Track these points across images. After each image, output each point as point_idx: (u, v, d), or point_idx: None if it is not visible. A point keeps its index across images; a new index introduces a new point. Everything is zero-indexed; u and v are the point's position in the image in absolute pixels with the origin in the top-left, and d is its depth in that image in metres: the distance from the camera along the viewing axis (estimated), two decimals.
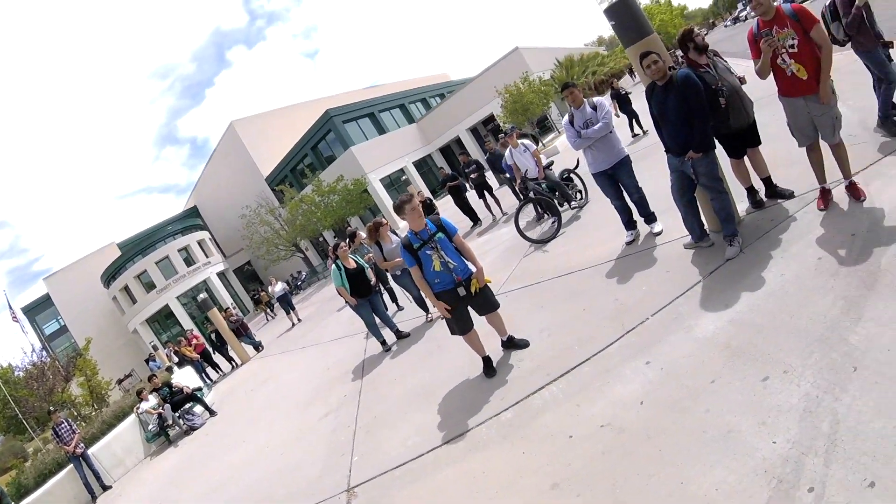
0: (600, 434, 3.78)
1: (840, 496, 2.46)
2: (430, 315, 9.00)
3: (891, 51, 6.17)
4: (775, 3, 4.99)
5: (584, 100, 7.02)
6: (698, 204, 5.65)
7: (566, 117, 7.19)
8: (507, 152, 10.79)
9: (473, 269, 5.41)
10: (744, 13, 58.26)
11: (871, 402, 2.82)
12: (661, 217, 6.79)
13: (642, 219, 6.97)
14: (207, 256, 48.18)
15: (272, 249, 38.83)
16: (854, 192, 4.97)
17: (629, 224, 7.00)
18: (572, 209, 10.24)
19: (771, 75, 5.13)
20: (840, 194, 5.13)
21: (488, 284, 5.57)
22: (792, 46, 4.84)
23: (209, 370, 18.41)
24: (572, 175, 10.80)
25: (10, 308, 27.67)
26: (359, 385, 7.93)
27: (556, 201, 9.80)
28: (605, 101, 7.08)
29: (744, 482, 2.78)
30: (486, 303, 5.57)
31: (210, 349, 18.95)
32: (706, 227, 5.76)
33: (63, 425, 11.52)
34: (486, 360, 5.70)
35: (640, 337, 4.71)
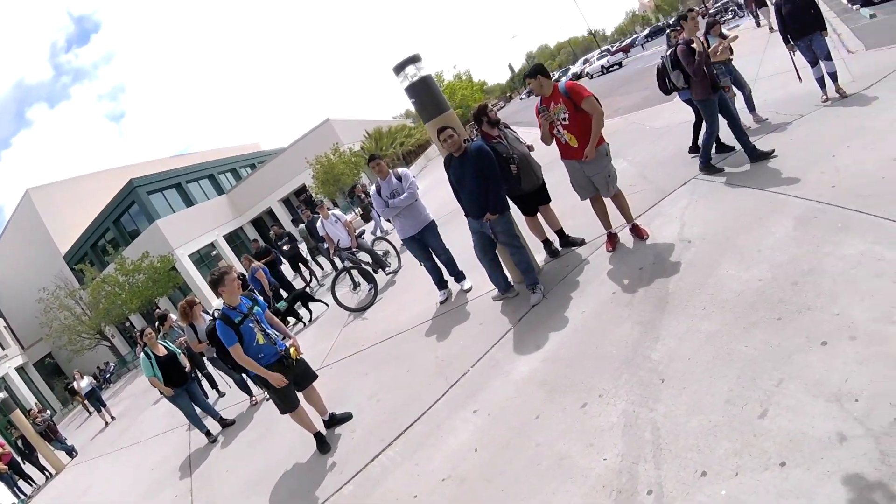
0: (443, 488, 3.83)
1: (677, 491, 2.69)
2: (254, 398, 8.54)
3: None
4: (554, 82, 5.65)
5: (390, 171, 7.39)
6: (500, 259, 6.12)
7: (373, 188, 7.51)
8: (318, 223, 10.88)
9: (288, 342, 5.37)
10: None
11: (682, 405, 3.15)
12: (470, 274, 7.22)
13: (452, 278, 7.37)
14: (4, 348, 41.65)
15: (74, 338, 34.36)
16: (638, 232, 5.76)
17: (440, 284, 7.38)
18: (387, 275, 10.46)
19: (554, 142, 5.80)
20: (625, 236, 5.86)
21: (302, 357, 5.52)
22: (564, 119, 5.53)
23: (21, 483, 16.43)
24: (384, 242, 11.13)
25: None
26: (188, 483, 7.25)
27: (370, 268, 10.01)
28: (410, 172, 7.50)
29: (587, 501, 2.95)
30: (305, 374, 5.53)
31: (18, 459, 16.92)
32: (510, 279, 6.24)
33: None
34: (318, 436, 5.53)
35: (463, 388, 4.92)
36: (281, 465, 5.91)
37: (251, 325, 5.15)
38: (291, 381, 5.35)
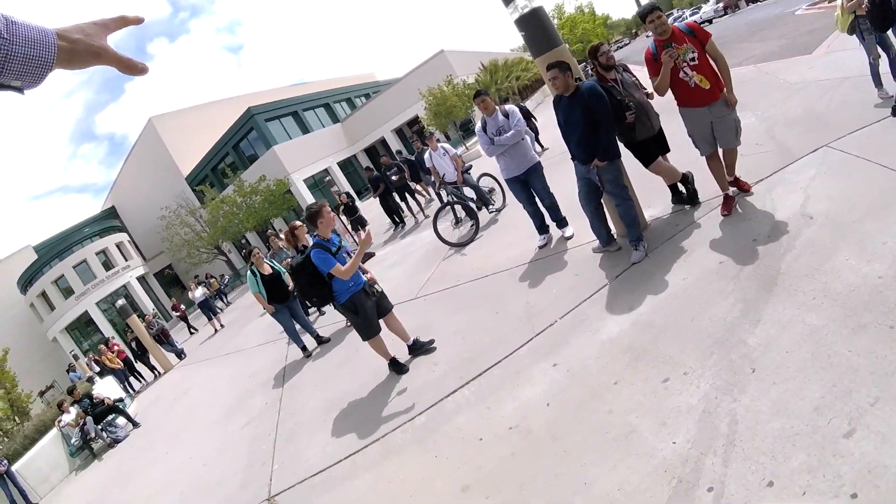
0: (509, 436, 3.83)
1: (739, 495, 2.51)
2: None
3: None
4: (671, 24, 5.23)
5: (497, 107, 7.18)
6: (605, 210, 5.84)
7: (479, 124, 7.33)
8: (426, 155, 10.88)
9: (367, 276, 5.86)
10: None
11: (768, 402, 2.91)
12: (572, 222, 6.99)
13: (554, 223, 7.15)
14: (127, 260, 45.71)
15: (193, 252, 37.49)
16: (740, 185, 5.39)
17: (541, 228, 7.18)
18: (490, 213, 10.37)
19: (669, 91, 5.38)
20: (743, 200, 5.41)
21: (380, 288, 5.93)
22: (692, 59, 5.09)
23: (131, 379, 17.86)
24: (491, 179, 10.95)
25: None
26: (279, 393, 7.84)
27: (474, 205, 9.95)
28: (517, 109, 7.25)
29: (645, 482, 2.84)
30: (383, 304, 5.87)
31: (131, 358, 18.37)
32: (613, 232, 5.95)
33: None
34: (393, 361, 5.90)
35: (548, 339, 4.82)
36: (362, 388, 6.17)
37: (343, 255, 5.54)
38: (374, 309, 5.69)
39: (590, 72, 6.34)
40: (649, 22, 5.25)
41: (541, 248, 7.07)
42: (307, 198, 38.30)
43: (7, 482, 10.71)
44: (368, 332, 5.74)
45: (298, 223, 7.15)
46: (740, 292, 4.00)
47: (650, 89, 5.90)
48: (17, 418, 23.52)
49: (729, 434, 2.86)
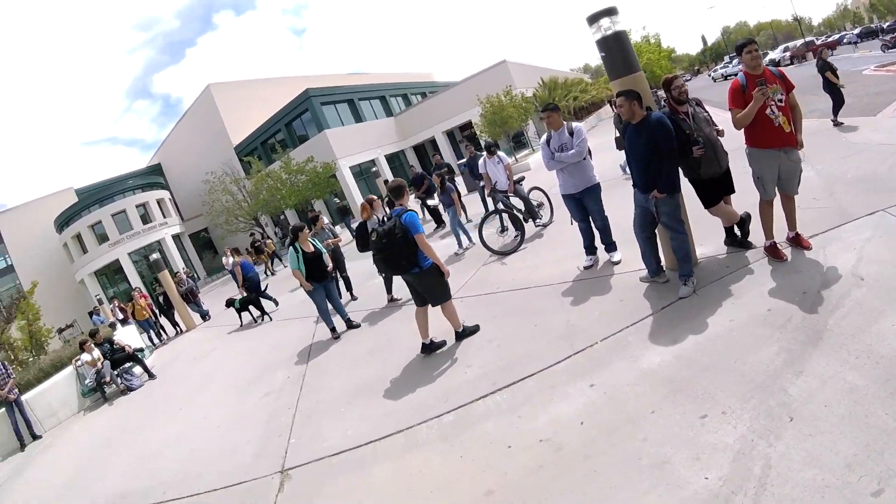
0: (539, 448, 3.86)
1: None
2: (398, 298, 9.33)
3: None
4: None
5: (563, 123, 7.18)
6: (658, 240, 5.84)
7: (544, 137, 7.33)
8: (480, 160, 10.88)
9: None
10: (728, 67, 57.90)
11: (803, 452, 2.93)
12: (622, 247, 6.98)
13: (603, 246, 7.14)
14: (165, 217, 46.46)
15: (231, 220, 37.91)
16: (800, 242, 5.33)
17: (590, 249, 7.18)
18: (536, 226, 10.38)
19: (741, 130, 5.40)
20: (797, 253, 5.36)
21: None
22: (780, 101, 5.13)
23: (151, 333, 18.09)
24: (541, 193, 10.99)
25: None
26: (303, 369, 7.89)
27: (521, 216, 9.96)
28: (583, 129, 7.22)
29: None
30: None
31: (157, 311, 18.64)
32: (663, 263, 5.94)
33: None
34: (426, 344, 6.40)
35: (587, 359, 4.82)
36: (392, 377, 6.25)
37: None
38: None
39: (662, 102, 6.28)
40: (746, 53, 5.28)
41: (586, 268, 7.06)
42: (351, 184, 38.65)
43: (14, 411, 10.87)
44: (447, 293, 6.28)
45: (374, 197, 7.35)
46: (786, 342, 4.00)
47: (721, 126, 5.92)
48: (34, 350, 23.95)
49: (761, 477, 2.87)
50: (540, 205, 10.76)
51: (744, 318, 4.53)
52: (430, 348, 6.40)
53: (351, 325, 8.95)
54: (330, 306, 9.07)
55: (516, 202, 10.37)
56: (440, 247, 12.49)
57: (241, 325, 13.86)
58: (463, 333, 6.39)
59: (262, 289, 14.68)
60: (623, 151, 6.90)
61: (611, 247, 7.08)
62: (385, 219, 6.55)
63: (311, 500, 4.57)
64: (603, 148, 15.51)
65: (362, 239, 8.54)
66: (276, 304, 14.33)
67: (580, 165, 7.01)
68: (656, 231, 5.77)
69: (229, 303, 14.41)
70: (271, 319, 13.08)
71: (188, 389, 9.85)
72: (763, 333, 4.20)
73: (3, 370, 11.09)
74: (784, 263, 5.25)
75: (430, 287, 6.17)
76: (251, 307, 13.83)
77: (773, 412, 3.31)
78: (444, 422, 4.78)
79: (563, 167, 7.05)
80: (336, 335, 8.81)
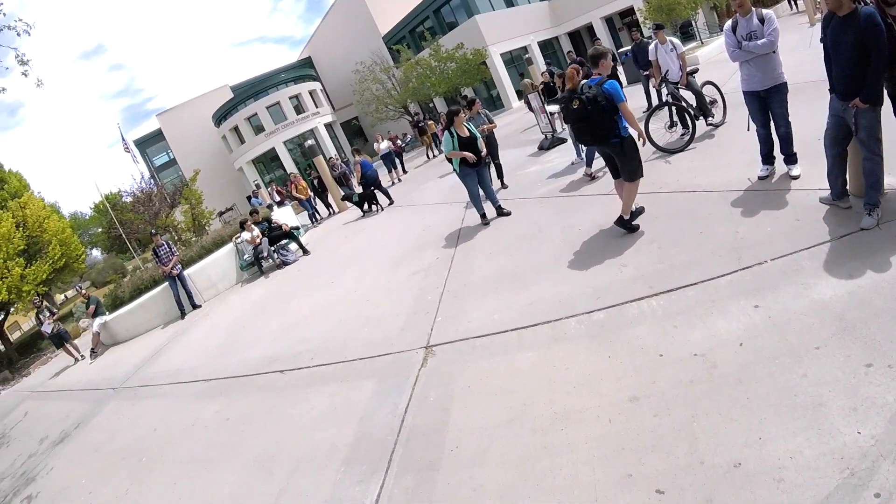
0: (692, 362, 3.65)
1: None
2: (593, 172, 9.04)
3: None
4: None
5: (753, 9, 6.34)
6: (848, 159, 5.04)
7: (729, 23, 6.41)
8: (651, 47, 10.00)
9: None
10: None
11: None
12: (803, 161, 6.14)
13: (782, 156, 6.28)
14: (317, 107, 48.72)
15: (381, 108, 38.57)
16: None
17: (767, 158, 6.36)
18: (707, 125, 9.45)
19: None
20: None
21: None
22: None
23: (311, 211, 19.20)
24: (715, 90, 9.90)
25: (123, 139, 29.59)
26: (452, 252, 7.97)
27: (692, 112, 9.07)
28: (776, 17, 6.37)
29: (819, 461, 2.60)
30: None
31: (311, 194, 19.62)
32: (848, 186, 5.11)
33: (163, 247, 12.58)
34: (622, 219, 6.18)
35: (754, 277, 4.38)
36: (540, 267, 6.14)
37: None
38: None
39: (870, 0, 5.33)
40: None
41: (761, 178, 6.30)
42: (501, 72, 37.51)
43: (177, 284, 12.42)
44: (640, 169, 6.07)
45: (570, 70, 7.12)
46: None
47: None
48: (195, 231, 26.06)
49: None
50: (713, 102, 9.66)
51: None
52: (625, 224, 6.19)
53: (501, 212, 8.88)
54: (481, 192, 8.99)
55: (687, 96, 9.44)
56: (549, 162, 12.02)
57: (363, 214, 14.67)
58: (627, 221, 6.10)
59: (381, 185, 15.36)
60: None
61: (791, 158, 6.20)
62: (581, 89, 6.14)
63: (454, 378, 4.68)
64: (793, 48, 14.16)
65: (566, 109, 8.23)
66: (392, 201, 14.85)
67: (769, 58, 6.08)
68: (848, 148, 4.95)
69: (346, 197, 15.45)
70: (382, 209, 14.02)
71: (339, 264, 10.43)
72: None
73: (168, 248, 12.57)
74: None
75: (628, 159, 5.96)
76: (367, 202, 14.71)
77: None
78: (594, 319, 4.63)
79: (749, 59, 6.22)
80: (486, 221, 8.81)
